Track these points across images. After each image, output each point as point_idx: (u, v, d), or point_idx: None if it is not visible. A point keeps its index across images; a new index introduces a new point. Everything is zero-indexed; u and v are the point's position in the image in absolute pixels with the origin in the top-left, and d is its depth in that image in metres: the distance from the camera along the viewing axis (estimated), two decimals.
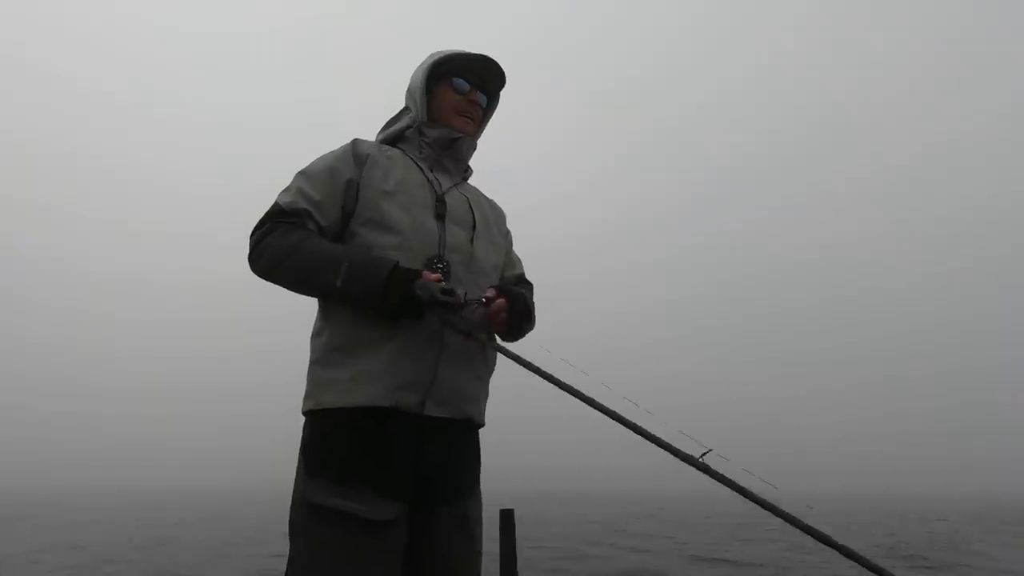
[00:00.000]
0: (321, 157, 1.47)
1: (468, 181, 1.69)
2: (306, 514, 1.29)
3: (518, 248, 1.80)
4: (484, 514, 1.57)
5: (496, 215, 1.67)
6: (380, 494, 1.27)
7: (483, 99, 1.64)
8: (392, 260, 1.31)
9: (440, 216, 1.46)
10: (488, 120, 1.72)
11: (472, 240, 1.50)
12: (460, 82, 1.58)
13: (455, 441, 1.41)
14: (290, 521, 1.33)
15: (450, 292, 1.29)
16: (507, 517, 1.75)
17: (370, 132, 1.69)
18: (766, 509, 1.08)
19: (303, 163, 1.50)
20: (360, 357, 1.30)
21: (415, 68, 1.61)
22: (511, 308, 1.42)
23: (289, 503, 1.35)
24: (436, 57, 1.57)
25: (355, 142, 1.51)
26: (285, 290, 1.39)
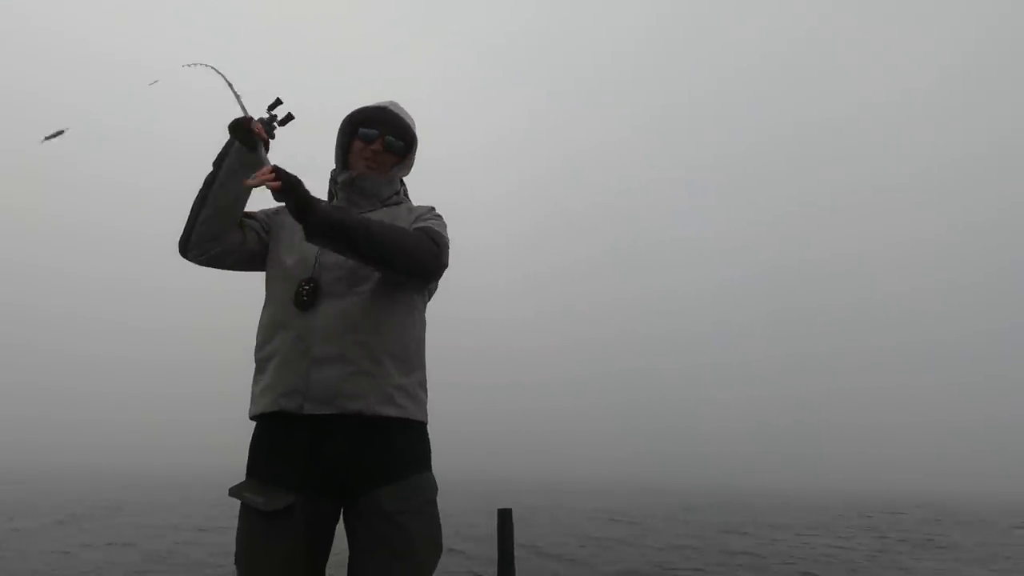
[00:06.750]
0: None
1: (399, 205, 1.82)
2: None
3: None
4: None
5: (400, 215, 1.78)
6: (276, 487, 1.51)
7: (395, 143, 1.80)
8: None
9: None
10: (410, 156, 1.87)
11: None
12: (365, 132, 1.79)
13: (355, 436, 1.54)
14: None
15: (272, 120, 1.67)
16: (505, 517, 1.73)
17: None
18: None
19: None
20: (261, 374, 1.63)
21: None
22: (286, 181, 1.44)
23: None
24: (346, 116, 1.82)
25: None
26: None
